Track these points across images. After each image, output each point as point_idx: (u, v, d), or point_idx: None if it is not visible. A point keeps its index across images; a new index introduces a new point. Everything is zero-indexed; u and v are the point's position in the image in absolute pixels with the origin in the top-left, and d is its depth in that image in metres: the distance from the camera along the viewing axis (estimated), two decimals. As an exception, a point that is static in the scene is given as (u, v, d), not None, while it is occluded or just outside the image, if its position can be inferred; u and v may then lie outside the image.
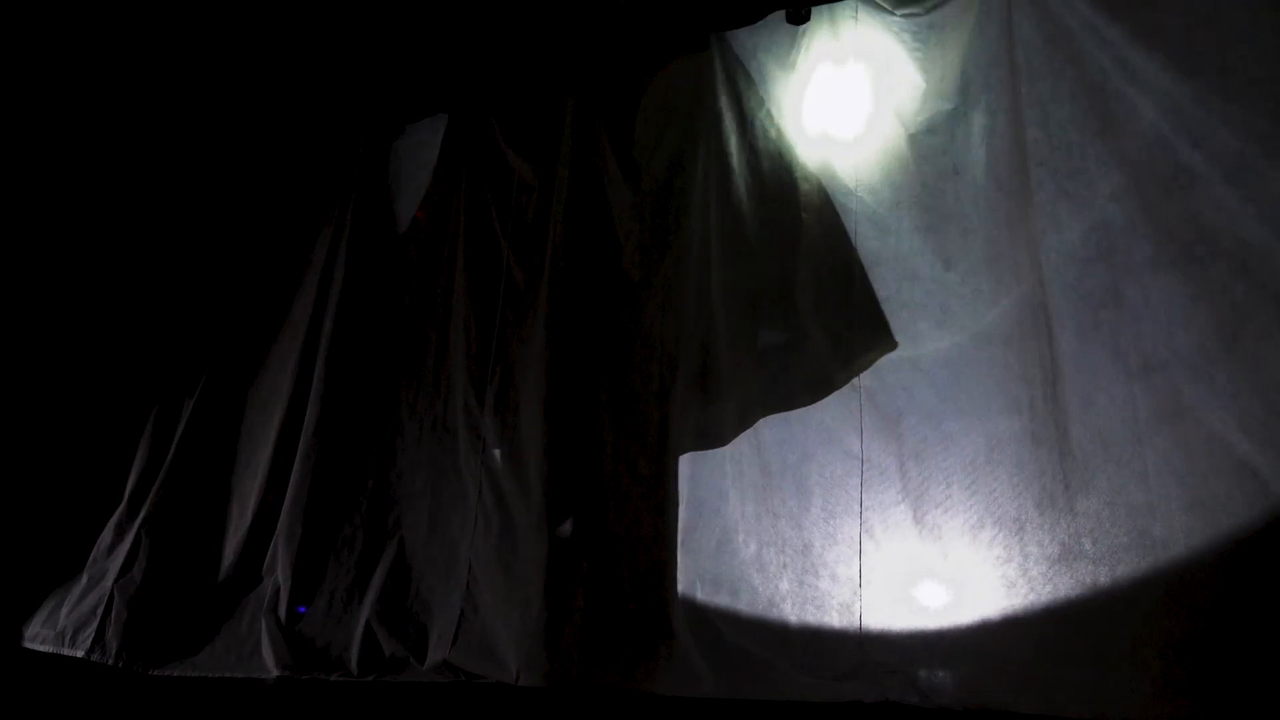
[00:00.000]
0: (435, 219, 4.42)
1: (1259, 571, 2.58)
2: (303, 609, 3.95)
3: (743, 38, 3.76)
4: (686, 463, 3.43)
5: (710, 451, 3.42)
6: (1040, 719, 2.58)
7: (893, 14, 3.49)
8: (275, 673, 3.72)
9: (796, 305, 3.37)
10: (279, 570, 3.99)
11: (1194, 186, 2.89)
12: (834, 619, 3.04)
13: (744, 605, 3.19)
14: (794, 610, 3.11)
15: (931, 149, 3.32)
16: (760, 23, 3.74)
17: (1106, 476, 2.81)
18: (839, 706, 2.81)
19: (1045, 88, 3.18)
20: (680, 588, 3.30)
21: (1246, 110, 2.85)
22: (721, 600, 3.23)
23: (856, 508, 3.12)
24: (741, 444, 3.37)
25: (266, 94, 4.64)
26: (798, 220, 3.43)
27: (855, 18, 3.56)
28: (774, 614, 3.12)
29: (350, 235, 4.50)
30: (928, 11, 3.44)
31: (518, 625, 3.48)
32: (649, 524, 3.42)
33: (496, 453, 3.85)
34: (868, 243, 3.36)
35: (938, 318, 3.21)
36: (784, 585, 3.15)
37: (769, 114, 3.65)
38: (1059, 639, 2.74)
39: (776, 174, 3.56)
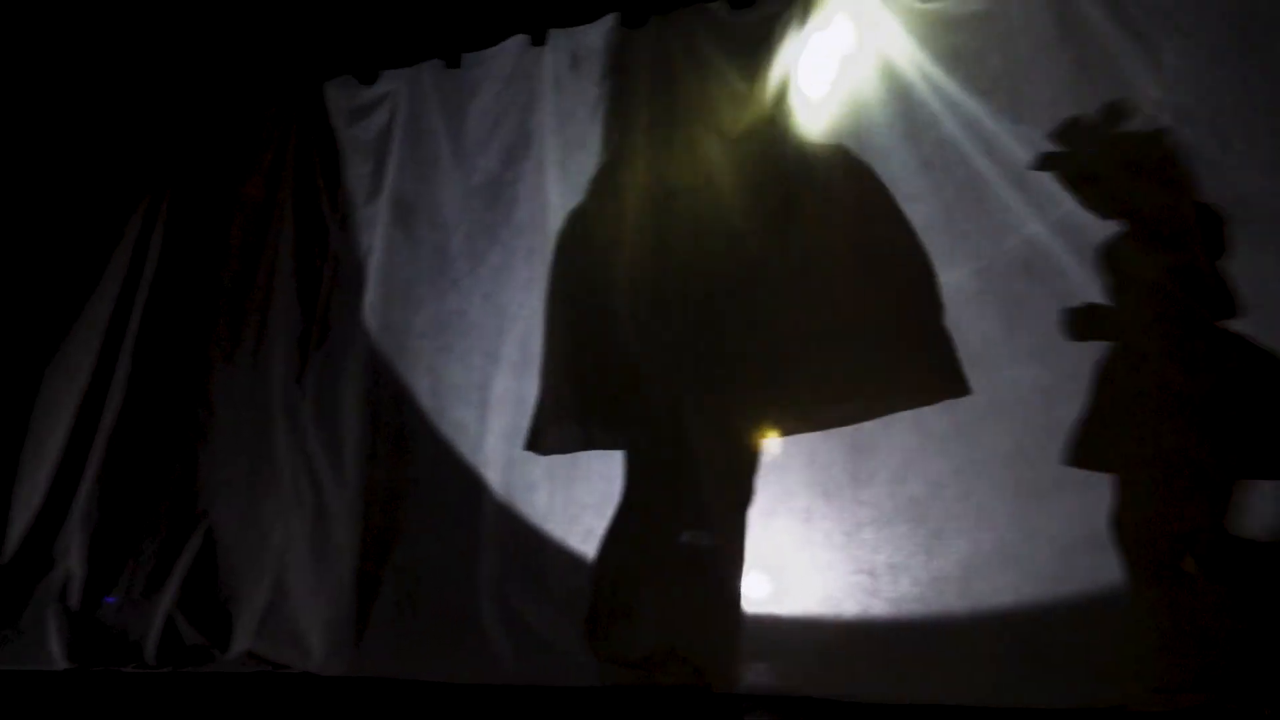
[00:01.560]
0: (265, 196, 4.28)
1: (1032, 559, 2.77)
2: (110, 599, 3.77)
3: (578, 36, 3.79)
4: (503, 451, 3.43)
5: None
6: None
7: (726, 22, 3.59)
8: (63, 665, 3.52)
9: (612, 304, 3.37)
10: (72, 556, 3.78)
11: (987, 191, 3.09)
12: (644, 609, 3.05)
13: (551, 594, 3.21)
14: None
15: (750, 154, 3.39)
16: (597, 21, 3.77)
17: (888, 469, 2.96)
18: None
19: (859, 94, 3.34)
20: (490, 577, 3.30)
21: (1032, 129, 3.06)
22: (530, 590, 3.24)
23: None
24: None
25: (88, 57, 4.39)
26: (621, 219, 3.46)
27: (688, 23, 3.63)
28: (580, 603, 3.13)
29: (169, 208, 4.30)
30: (755, 20, 3.55)
31: (327, 613, 3.42)
32: (462, 512, 3.41)
33: (314, 438, 3.76)
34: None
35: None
36: (587, 571, 3.16)
37: (599, 113, 3.66)
38: (839, 626, 2.87)
39: (603, 174, 3.57)
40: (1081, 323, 2.82)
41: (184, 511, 3.88)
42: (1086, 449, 2.73)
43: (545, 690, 3.00)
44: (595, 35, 3.74)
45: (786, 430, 3.13)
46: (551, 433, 3.32)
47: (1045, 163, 2.98)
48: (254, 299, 4.11)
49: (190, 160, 4.43)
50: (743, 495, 3.06)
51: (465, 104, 3.94)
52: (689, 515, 3.06)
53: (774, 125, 3.40)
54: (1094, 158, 2.93)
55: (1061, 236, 2.94)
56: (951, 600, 2.77)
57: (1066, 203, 2.94)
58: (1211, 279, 2.69)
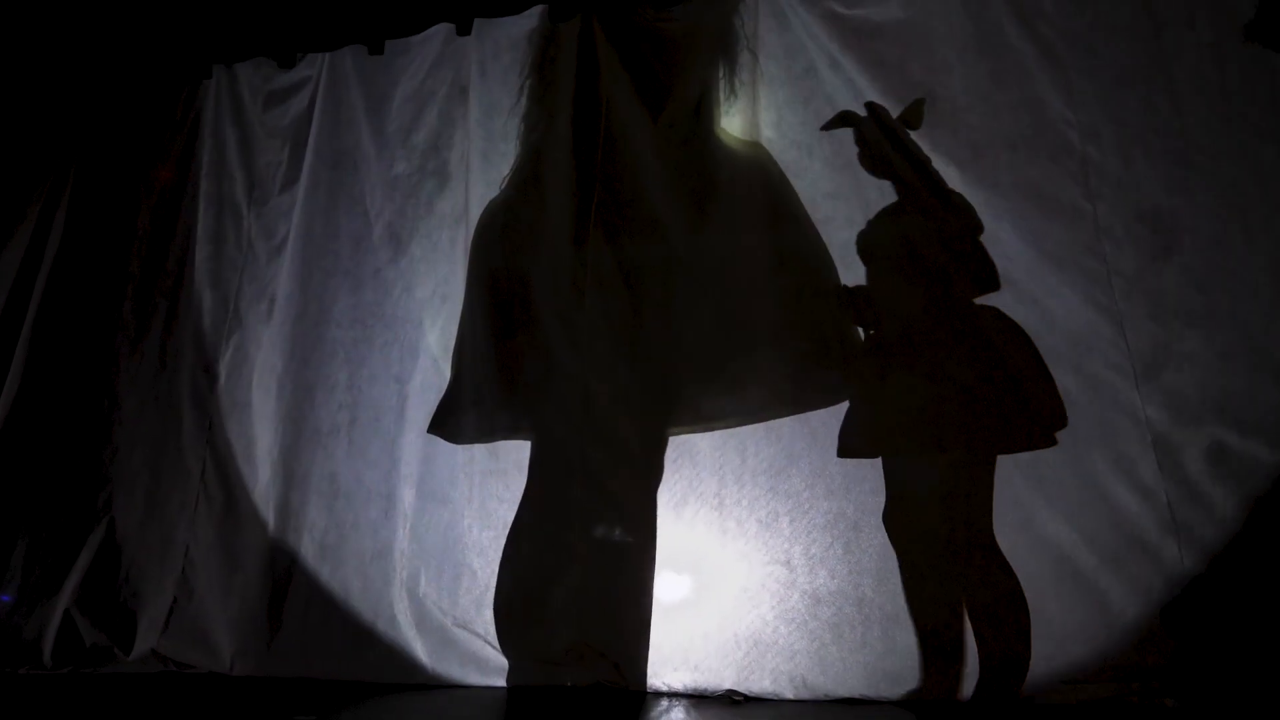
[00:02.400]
0: (176, 180, 4.13)
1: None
2: (5, 598, 3.58)
3: (505, 26, 3.76)
4: (420, 446, 3.37)
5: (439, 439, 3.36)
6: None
7: (653, 19, 3.60)
8: (-53, 667, 3.35)
9: (529, 294, 3.36)
10: (-40, 553, 3.59)
11: (904, 206, 3.15)
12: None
13: (464, 591, 3.17)
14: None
15: (672, 151, 3.39)
16: (525, 13, 3.75)
17: (809, 460, 2.99)
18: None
19: (782, 95, 3.39)
20: (405, 574, 3.25)
21: (949, 137, 3.16)
22: (444, 586, 3.19)
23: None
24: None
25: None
26: (542, 209, 3.44)
27: (615, 19, 3.63)
28: (489, 599, 3.09)
29: (73, 190, 4.12)
30: (682, 18, 3.57)
31: (235, 612, 3.33)
32: (377, 508, 3.36)
33: (224, 431, 3.66)
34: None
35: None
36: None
37: (523, 104, 3.64)
38: (756, 617, 2.88)
39: (526, 164, 3.55)
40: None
41: (85, 506, 3.71)
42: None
43: (461, 689, 2.98)
44: (522, 26, 3.73)
45: (700, 424, 3.14)
46: (466, 420, 3.29)
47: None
48: (163, 286, 3.97)
49: (98, 141, 4.24)
50: (654, 487, 3.07)
51: (388, 91, 3.88)
52: (600, 508, 3.05)
53: (697, 124, 3.43)
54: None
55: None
56: (868, 592, 2.82)
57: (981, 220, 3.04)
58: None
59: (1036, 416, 2.77)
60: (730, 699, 2.78)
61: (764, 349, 3.06)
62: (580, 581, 2.99)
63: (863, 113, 3.26)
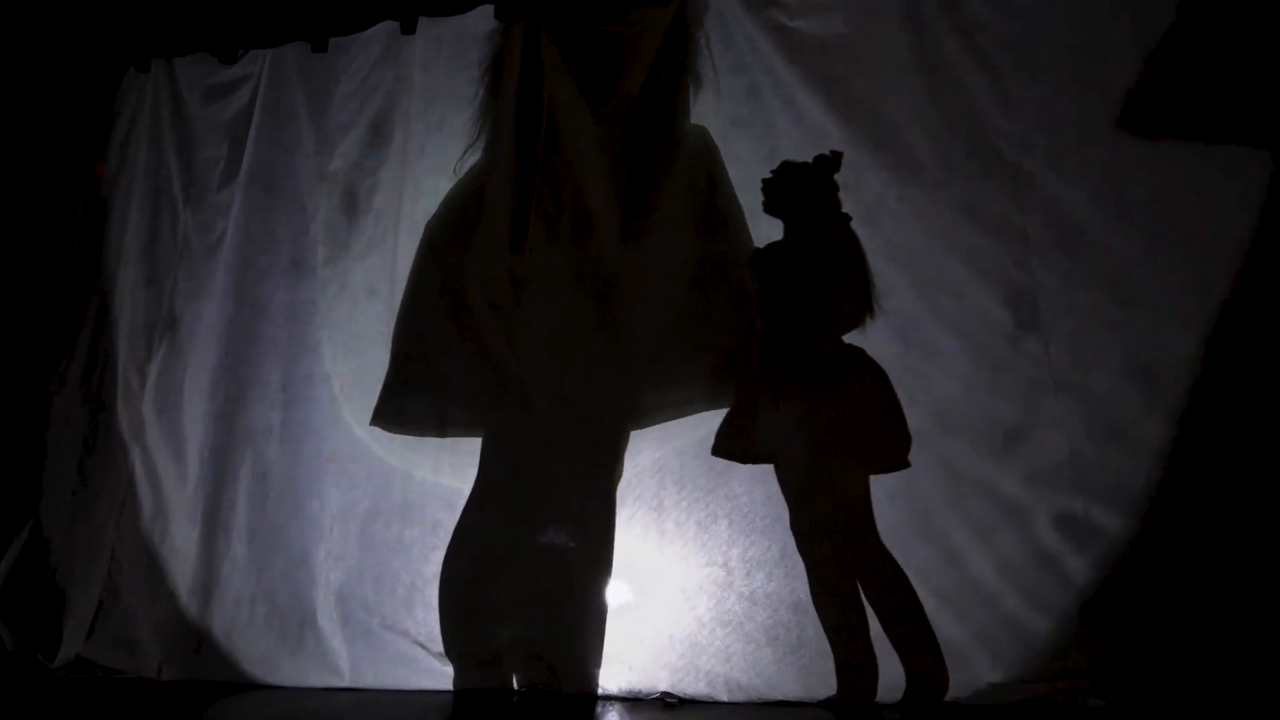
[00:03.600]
0: (112, 175, 4.05)
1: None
2: None
3: (449, 24, 3.74)
4: (350, 446, 3.33)
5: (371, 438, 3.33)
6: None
7: (599, 22, 3.61)
8: None
9: (469, 289, 3.35)
10: (-123, 555, 3.46)
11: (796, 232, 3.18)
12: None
13: (387, 593, 3.14)
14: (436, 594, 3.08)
15: (612, 154, 3.41)
16: (471, 12, 3.74)
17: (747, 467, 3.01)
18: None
19: (728, 107, 3.40)
20: (328, 575, 3.21)
21: (890, 155, 3.18)
22: (366, 588, 3.16)
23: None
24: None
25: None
26: (480, 205, 3.43)
27: (562, 21, 3.63)
28: (417, 600, 3.09)
29: (2, 184, 3.99)
30: (627, 23, 3.58)
31: (163, 615, 3.27)
32: (307, 509, 3.32)
33: (154, 431, 3.58)
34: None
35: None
36: (429, 569, 3.12)
37: (466, 102, 3.62)
38: (692, 619, 2.90)
39: (468, 169, 3.53)
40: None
41: (9, 508, 3.61)
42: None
43: (392, 694, 2.96)
44: (467, 26, 3.71)
45: (639, 422, 3.14)
46: (407, 410, 3.28)
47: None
48: (96, 283, 3.88)
49: (32, 135, 4.11)
50: (602, 489, 3.06)
51: (330, 89, 3.84)
52: (543, 510, 3.05)
53: (638, 129, 3.44)
54: None
55: (908, 271, 3.06)
56: (804, 595, 2.83)
57: (916, 240, 3.08)
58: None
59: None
60: (664, 702, 2.79)
61: (685, 353, 3.13)
62: (518, 584, 2.98)
63: (804, 135, 3.28)
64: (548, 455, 3.10)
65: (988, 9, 3.24)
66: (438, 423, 3.26)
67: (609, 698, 2.85)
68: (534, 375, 3.19)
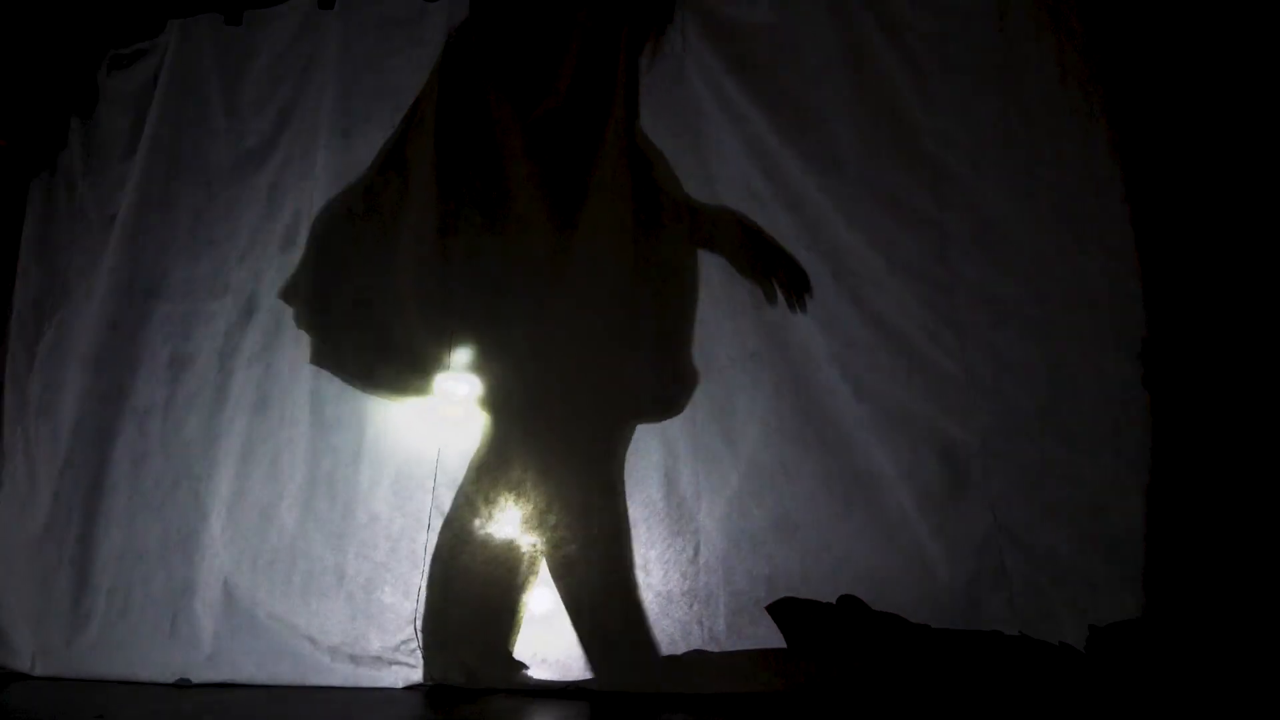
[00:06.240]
0: (6, 148, 3.83)
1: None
2: None
3: (372, 4, 3.61)
4: (244, 426, 3.20)
5: (265, 415, 3.21)
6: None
7: (528, 6, 3.53)
8: None
9: (394, 283, 3.25)
10: None
11: (762, 210, 3.16)
12: (386, 596, 2.93)
13: (285, 586, 3.01)
14: (345, 588, 2.96)
15: (541, 143, 3.33)
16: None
17: (662, 469, 2.99)
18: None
19: (653, 99, 3.35)
20: (218, 565, 3.07)
21: (814, 148, 3.16)
22: (260, 581, 3.02)
23: (430, 483, 3.03)
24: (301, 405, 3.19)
25: None
26: (405, 194, 3.33)
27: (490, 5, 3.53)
28: (319, 592, 2.97)
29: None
30: (556, 8, 3.49)
31: (38, 608, 3.09)
32: (186, 490, 3.17)
33: (35, 414, 3.40)
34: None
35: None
36: (331, 560, 3.00)
37: (387, 84, 3.50)
38: (620, 621, 2.86)
39: (389, 148, 3.42)
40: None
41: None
42: None
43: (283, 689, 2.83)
44: (388, 3, 3.59)
45: (569, 425, 3.09)
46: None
47: None
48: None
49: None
50: (579, 485, 3.02)
51: (243, 64, 3.67)
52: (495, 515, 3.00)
53: (568, 118, 3.36)
54: None
55: (828, 262, 3.05)
56: (716, 590, 2.83)
57: (837, 231, 3.06)
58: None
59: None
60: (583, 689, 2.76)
61: (624, 353, 3.07)
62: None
63: (729, 121, 3.25)
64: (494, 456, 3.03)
65: (913, 7, 3.24)
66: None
67: (524, 692, 2.79)
68: (459, 367, 3.10)
